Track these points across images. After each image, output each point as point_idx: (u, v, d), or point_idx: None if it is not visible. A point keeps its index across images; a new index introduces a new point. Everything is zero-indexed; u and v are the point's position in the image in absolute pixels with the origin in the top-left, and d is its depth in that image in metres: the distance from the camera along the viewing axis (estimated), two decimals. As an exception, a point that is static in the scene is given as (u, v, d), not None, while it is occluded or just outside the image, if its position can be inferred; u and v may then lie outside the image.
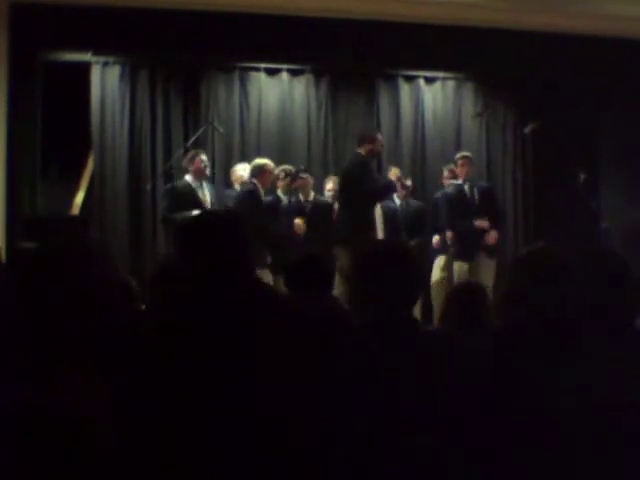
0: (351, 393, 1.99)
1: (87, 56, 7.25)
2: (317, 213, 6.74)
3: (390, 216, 6.68)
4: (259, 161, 6.54)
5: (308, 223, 6.59)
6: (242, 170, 6.83)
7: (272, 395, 1.92)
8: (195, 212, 5.52)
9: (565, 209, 7.57)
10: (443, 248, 6.91)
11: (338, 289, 4.98)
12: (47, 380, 1.69)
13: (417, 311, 5.34)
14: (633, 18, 7.37)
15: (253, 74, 7.70)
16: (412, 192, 7.20)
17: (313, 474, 1.93)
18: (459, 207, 6.73)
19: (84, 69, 7.26)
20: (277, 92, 7.74)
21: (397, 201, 7.06)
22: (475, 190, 6.80)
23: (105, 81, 7.32)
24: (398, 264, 2.18)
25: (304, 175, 6.88)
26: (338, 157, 7.76)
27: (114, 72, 7.34)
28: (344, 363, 2.05)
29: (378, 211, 6.39)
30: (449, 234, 6.79)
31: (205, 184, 6.55)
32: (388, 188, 6.55)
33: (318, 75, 7.84)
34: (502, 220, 7.18)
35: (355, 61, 7.62)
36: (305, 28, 7.26)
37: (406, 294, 2.19)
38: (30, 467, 1.62)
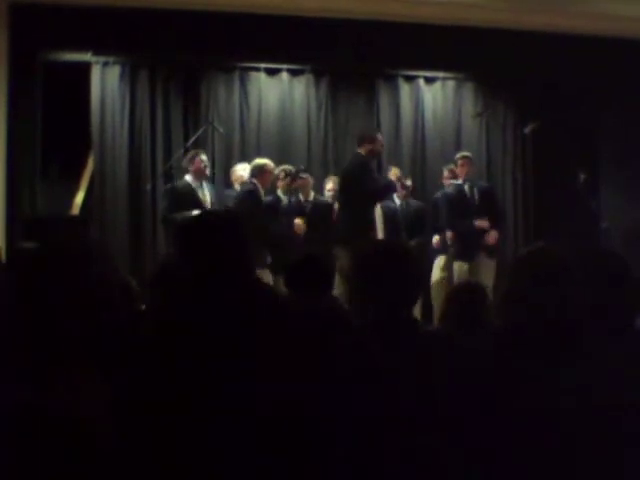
0: (351, 393, 1.99)
1: (87, 56, 7.25)
2: (317, 213, 6.74)
3: (390, 216, 6.68)
4: (259, 161, 6.54)
5: (308, 223, 6.59)
6: (242, 170, 6.83)
7: (272, 395, 1.91)
8: (195, 212, 5.52)
9: (565, 209, 7.57)
10: (443, 248, 6.91)
11: (338, 289, 4.98)
12: (47, 380, 1.69)
13: (417, 311, 5.34)
14: (633, 18, 7.37)
15: (253, 74, 7.70)
16: (412, 192, 7.20)
17: (313, 474, 1.93)
18: (459, 207, 6.72)
19: (84, 69, 7.26)
20: (277, 92, 7.74)
21: (397, 201, 7.06)
22: (475, 190, 6.80)
23: (105, 81, 7.31)
24: (398, 264, 2.18)
25: (304, 175, 6.87)
26: (338, 157, 7.76)
27: (114, 72, 7.34)
28: (344, 363, 2.05)
29: (378, 211, 6.39)
30: (449, 234, 6.79)
31: (205, 184, 6.55)
32: (388, 188, 6.55)
33: (318, 75, 7.84)
34: (502, 220, 7.18)
35: (355, 61, 7.62)
36: (305, 28, 7.26)
37: (406, 294, 2.19)
38: (30, 467, 1.62)
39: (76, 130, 7.36)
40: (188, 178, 6.45)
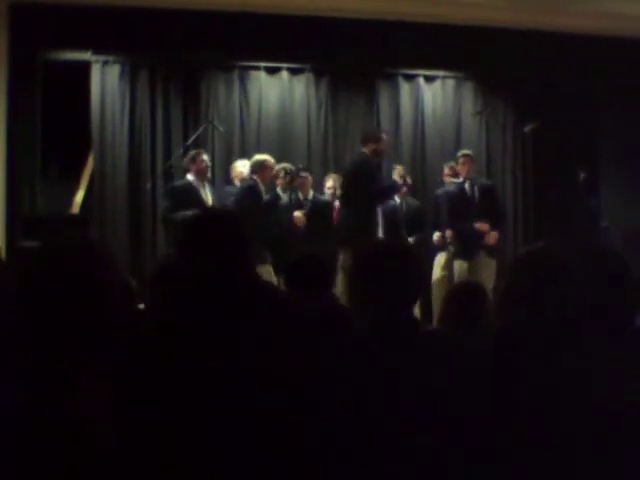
0: (351, 393, 1.99)
1: (87, 55, 7.25)
2: (316, 211, 6.74)
3: (390, 214, 6.68)
4: (259, 157, 6.54)
5: (307, 221, 6.59)
6: (242, 166, 6.83)
7: (272, 395, 1.91)
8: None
9: (565, 208, 7.58)
10: (443, 245, 6.91)
11: (342, 288, 5.00)
12: (47, 380, 1.69)
13: (417, 311, 5.34)
14: (633, 17, 7.37)
15: (253, 73, 7.71)
16: (410, 189, 7.19)
17: (313, 474, 1.93)
18: (459, 206, 6.72)
19: (84, 68, 7.25)
20: (277, 91, 7.74)
21: (397, 199, 7.06)
22: (475, 188, 6.79)
23: (105, 80, 7.31)
24: (398, 264, 2.18)
25: (304, 174, 6.88)
26: (338, 155, 7.78)
27: (114, 71, 7.34)
28: (344, 363, 2.04)
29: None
30: (449, 233, 6.80)
31: (206, 184, 6.53)
32: (392, 189, 6.53)
33: (318, 74, 7.84)
34: (502, 218, 7.17)
35: (355, 60, 7.62)
36: (305, 27, 7.27)
37: (406, 294, 2.19)
38: (30, 467, 1.62)
39: (76, 129, 7.36)
40: (190, 178, 6.43)
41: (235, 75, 7.66)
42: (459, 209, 6.71)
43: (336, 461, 1.93)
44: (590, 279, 2.10)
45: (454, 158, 7.04)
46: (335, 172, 7.23)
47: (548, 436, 1.90)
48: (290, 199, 6.67)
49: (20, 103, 6.98)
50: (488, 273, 6.47)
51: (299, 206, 6.71)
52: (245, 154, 7.34)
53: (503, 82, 8.12)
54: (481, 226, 6.61)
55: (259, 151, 7.17)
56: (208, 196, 6.42)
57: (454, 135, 8.06)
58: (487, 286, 4.52)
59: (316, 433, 1.93)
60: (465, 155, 6.92)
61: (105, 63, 7.31)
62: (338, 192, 6.86)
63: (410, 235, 6.76)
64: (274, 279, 5.86)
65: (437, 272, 6.87)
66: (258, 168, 6.39)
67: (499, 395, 1.94)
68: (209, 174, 6.63)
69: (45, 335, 1.74)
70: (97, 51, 7.25)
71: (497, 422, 1.91)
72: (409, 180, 6.97)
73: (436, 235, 6.98)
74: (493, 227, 6.68)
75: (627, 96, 7.79)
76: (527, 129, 7.39)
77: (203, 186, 6.44)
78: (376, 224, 6.17)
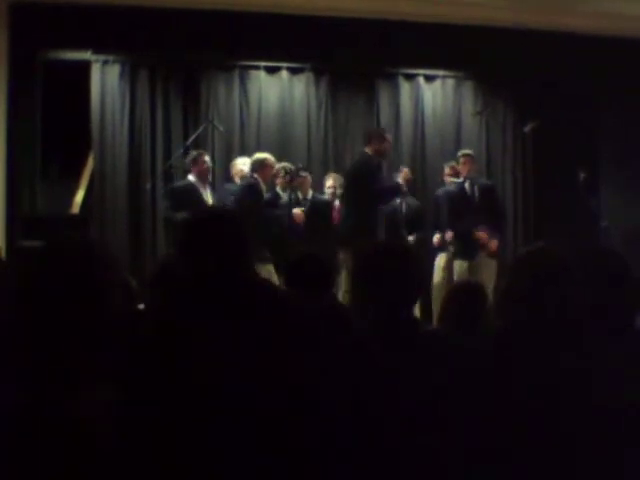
0: (351, 393, 1.99)
1: (87, 55, 7.25)
2: (315, 211, 6.73)
3: (390, 214, 6.68)
4: (259, 155, 6.53)
5: (307, 221, 6.59)
6: (242, 164, 6.82)
7: (272, 395, 1.91)
8: (195, 211, 5.50)
9: (565, 208, 7.57)
10: (444, 246, 6.90)
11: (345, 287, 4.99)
12: (47, 380, 1.69)
13: (417, 311, 5.34)
14: (633, 17, 7.37)
15: (253, 72, 7.70)
16: (411, 188, 7.19)
17: (313, 474, 1.93)
18: (460, 205, 6.71)
19: (84, 68, 7.25)
20: (277, 90, 7.74)
21: (397, 199, 7.05)
22: (476, 188, 6.78)
23: (105, 80, 7.31)
24: (398, 264, 2.18)
25: (303, 174, 6.87)
26: (338, 155, 7.78)
27: (114, 71, 7.34)
28: (344, 363, 2.04)
29: (378, 209, 6.37)
30: (449, 234, 6.78)
31: (207, 186, 6.53)
32: (394, 190, 6.49)
33: (318, 73, 7.83)
34: (502, 218, 7.17)
35: (355, 59, 7.62)
36: (305, 26, 7.27)
37: (406, 294, 2.19)
38: (30, 467, 1.62)
39: (76, 129, 7.36)
40: (191, 178, 6.42)
41: (235, 75, 7.65)
42: (459, 209, 6.70)
43: (336, 461, 1.94)
44: (590, 279, 2.10)
45: (454, 158, 7.04)
46: (335, 171, 7.23)
47: (548, 436, 1.90)
48: (290, 198, 6.66)
49: (20, 103, 6.98)
50: (488, 273, 6.46)
51: (298, 205, 6.72)
52: (245, 154, 7.32)
53: (503, 82, 8.11)
54: (480, 235, 6.59)
55: (259, 150, 7.16)
56: (209, 196, 6.42)
57: (454, 135, 8.05)
58: (487, 286, 4.53)
59: (316, 433, 1.93)
60: (466, 155, 6.91)
61: (105, 63, 7.31)
62: (338, 191, 6.86)
63: (410, 235, 6.75)
64: (275, 278, 5.86)
65: (438, 274, 6.83)
66: (259, 167, 6.38)
67: (499, 395, 1.94)
68: (210, 176, 6.63)
69: (45, 335, 1.74)
70: (97, 51, 7.24)
71: (497, 422, 1.91)
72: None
73: (436, 237, 6.96)
74: (493, 229, 6.67)
75: (627, 96, 7.79)
76: (527, 129, 7.39)
77: (204, 187, 6.44)
78: (377, 224, 6.15)
